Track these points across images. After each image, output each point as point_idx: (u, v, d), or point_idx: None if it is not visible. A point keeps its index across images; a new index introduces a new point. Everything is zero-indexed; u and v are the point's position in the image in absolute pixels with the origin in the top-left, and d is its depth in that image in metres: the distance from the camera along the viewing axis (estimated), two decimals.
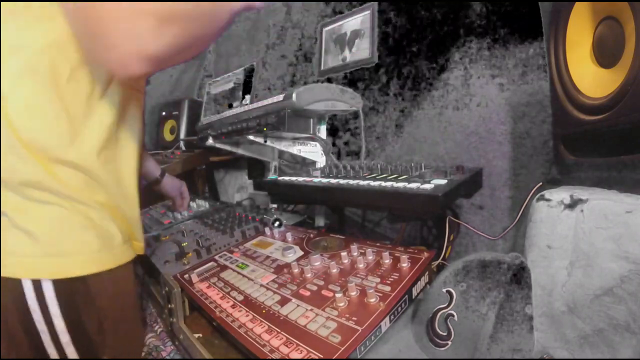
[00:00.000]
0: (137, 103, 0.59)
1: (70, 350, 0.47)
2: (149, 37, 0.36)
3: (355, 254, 0.58)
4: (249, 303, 0.51)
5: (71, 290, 0.46)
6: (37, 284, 0.44)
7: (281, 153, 1.23)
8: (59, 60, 0.45)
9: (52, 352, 0.46)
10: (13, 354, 0.47)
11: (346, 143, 1.35)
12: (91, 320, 0.49)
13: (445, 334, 0.42)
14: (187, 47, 0.41)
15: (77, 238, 0.47)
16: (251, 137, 0.89)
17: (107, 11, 0.34)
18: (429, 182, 0.55)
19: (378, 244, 0.61)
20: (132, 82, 0.56)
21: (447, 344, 0.42)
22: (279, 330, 0.43)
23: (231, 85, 1.67)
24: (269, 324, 0.45)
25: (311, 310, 0.45)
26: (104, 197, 0.51)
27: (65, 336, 0.47)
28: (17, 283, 0.44)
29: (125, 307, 0.55)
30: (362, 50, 1.29)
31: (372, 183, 0.60)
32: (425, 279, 0.53)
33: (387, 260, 0.54)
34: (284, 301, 0.49)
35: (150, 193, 1.15)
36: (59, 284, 0.45)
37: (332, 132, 1.38)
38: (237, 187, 1.77)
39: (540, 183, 0.63)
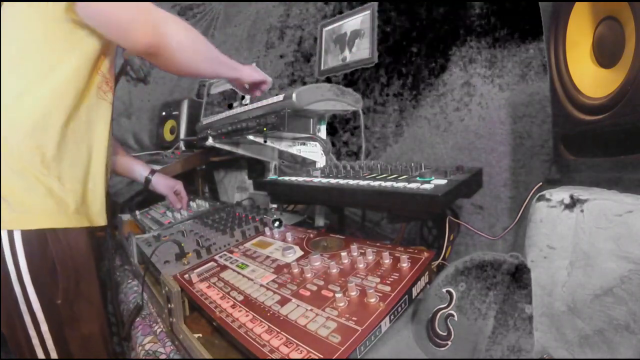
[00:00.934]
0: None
1: (31, 291, 0.62)
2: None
3: (355, 254, 0.58)
4: (249, 303, 0.51)
5: (33, 240, 0.62)
6: (10, 234, 0.60)
7: (281, 153, 1.23)
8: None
9: (17, 289, 0.61)
10: None
11: (346, 143, 1.35)
12: (47, 265, 0.63)
13: (445, 334, 0.42)
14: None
15: (39, 202, 0.63)
16: (251, 137, 0.89)
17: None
18: (428, 182, 0.55)
19: (378, 244, 0.61)
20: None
21: (447, 344, 0.42)
22: (279, 330, 0.43)
23: (231, 85, 1.66)
24: (269, 324, 0.44)
25: (311, 310, 0.45)
26: (67, 173, 0.67)
27: (27, 275, 0.61)
28: None
29: (77, 265, 0.68)
30: (362, 50, 1.29)
31: (372, 183, 0.60)
32: (425, 279, 0.53)
33: (387, 260, 0.54)
34: (284, 301, 0.49)
35: (150, 193, 1.16)
36: (25, 235, 0.61)
37: (332, 132, 1.38)
38: (237, 187, 1.77)
39: (540, 183, 0.63)
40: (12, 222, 0.60)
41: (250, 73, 0.86)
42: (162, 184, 1.12)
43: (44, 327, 0.63)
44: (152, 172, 1.11)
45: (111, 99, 0.79)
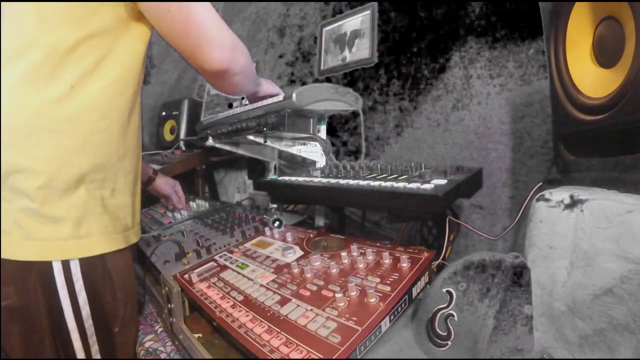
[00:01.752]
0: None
1: (89, 324, 0.53)
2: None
3: (355, 254, 0.58)
4: (249, 303, 0.51)
5: (93, 268, 0.53)
6: (65, 264, 0.50)
7: (281, 153, 1.23)
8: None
9: (72, 326, 0.52)
10: (33, 336, 0.52)
11: (346, 143, 1.35)
12: (107, 293, 0.55)
13: (445, 334, 0.42)
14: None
15: (97, 221, 0.54)
16: (251, 137, 0.89)
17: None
18: (429, 182, 0.55)
19: (378, 244, 0.61)
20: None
21: (447, 344, 0.42)
22: (279, 330, 0.43)
23: None
24: (269, 324, 0.45)
25: (311, 310, 0.45)
26: (117, 185, 0.58)
27: (85, 309, 0.52)
28: (46, 265, 0.49)
29: (131, 282, 0.61)
30: (362, 50, 1.29)
31: (372, 183, 0.60)
32: (425, 279, 0.53)
33: (387, 260, 0.54)
34: (284, 301, 0.49)
35: (150, 193, 1.16)
36: (83, 263, 0.52)
37: (332, 132, 1.38)
38: (237, 187, 1.77)
39: (540, 183, 0.63)
40: (70, 249, 0.51)
41: (268, 86, 0.84)
42: (164, 183, 1.12)
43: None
44: (155, 172, 1.10)
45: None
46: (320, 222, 0.93)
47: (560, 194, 0.45)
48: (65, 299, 0.51)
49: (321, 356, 0.37)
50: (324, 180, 0.70)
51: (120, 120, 0.57)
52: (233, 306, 0.51)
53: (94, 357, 0.54)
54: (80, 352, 0.53)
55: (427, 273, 0.53)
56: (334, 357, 0.37)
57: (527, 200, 0.61)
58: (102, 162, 0.55)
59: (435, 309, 0.44)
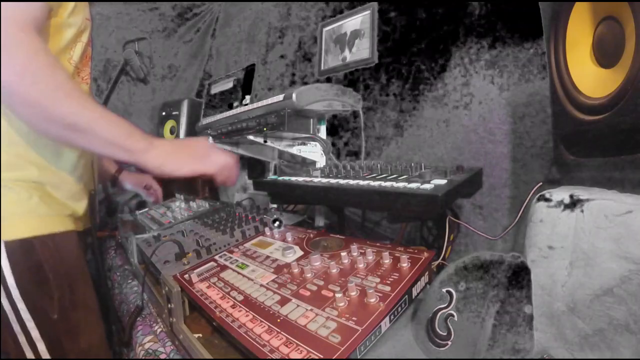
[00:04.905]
0: None
1: (22, 307, 0.56)
2: None
3: (355, 254, 0.58)
4: (249, 303, 0.51)
5: (18, 250, 0.56)
6: None
7: (281, 153, 1.23)
8: None
9: (7, 306, 0.55)
10: None
11: (346, 143, 1.35)
12: (37, 276, 0.58)
13: (445, 334, 0.42)
14: None
15: (24, 206, 0.58)
16: (251, 137, 0.89)
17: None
18: (429, 182, 0.55)
19: (378, 244, 0.61)
20: None
21: (447, 344, 0.42)
22: (279, 330, 0.43)
23: (231, 85, 1.67)
24: (269, 324, 0.44)
25: (311, 310, 0.45)
26: (38, 173, 0.62)
27: (15, 291, 0.55)
28: None
29: (71, 271, 0.63)
30: (362, 50, 1.29)
31: (372, 183, 0.60)
32: (425, 279, 0.53)
33: (387, 260, 0.54)
34: (284, 301, 0.49)
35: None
36: (9, 245, 0.55)
37: (332, 132, 1.38)
38: (237, 187, 1.77)
39: (540, 183, 0.63)
40: None
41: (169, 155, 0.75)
42: (132, 180, 1.11)
43: (41, 347, 0.58)
44: (120, 169, 1.10)
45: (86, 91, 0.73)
46: (320, 222, 0.93)
47: (560, 194, 0.45)
48: None
49: (321, 356, 0.37)
50: (324, 180, 0.70)
51: None
52: (233, 306, 0.51)
53: (36, 341, 0.56)
54: (20, 335, 0.56)
55: (427, 273, 0.53)
56: (334, 357, 0.37)
57: (527, 200, 0.61)
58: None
59: (435, 309, 0.44)
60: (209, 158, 0.74)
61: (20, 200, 0.58)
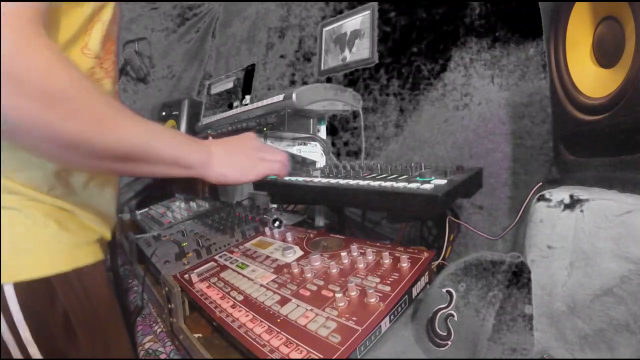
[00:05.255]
0: None
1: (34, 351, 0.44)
2: None
3: (355, 254, 0.58)
4: (249, 303, 0.51)
5: (32, 293, 0.43)
6: None
7: None
8: None
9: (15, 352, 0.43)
10: None
11: (346, 143, 1.35)
12: (57, 323, 0.46)
13: (445, 334, 0.42)
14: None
15: (37, 238, 0.45)
16: None
17: None
18: (428, 182, 0.55)
19: (378, 244, 0.61)
20: None
21: (447, 344, 0.42)
22: (279, 330, 0.43)
23: (231, 85, 1.67)
24: (269, 324, 0.44)
25: (311, 310, 0.45)
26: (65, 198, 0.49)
27: (32, 347, 0.44)
28: None
29: (99, 311, 0.52)
30: (362, 50, 1.29)
31: (372, 183, 0.60)
32: (425, 279, 0.53)
33: (387, 260, 0.54)
34: (284, 301, 0.49)
35: (150, 193, 1.16)
36: (21, 288, 0.42)
37: (332, 132, 1.38)
38: (237, 187, 1.77)
39: (540, 183, 0.63)
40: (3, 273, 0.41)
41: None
42: None
43: None
44: None
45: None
46: (320, 222, 0.93)
47: (560, 194, 0.45)
48: (4, 331, 0.42)
49: (321, 356, 0.37)
50: (324, 180, 0.70)
51: None
52: (233, 306, 0.51)
53: None
54: None
55: (427, 273, 0.53)
56: (334, 357, 0.37)
57: (527, 200, 0.61)
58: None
59: (435, 309, 0.44)
60: (267, 158, 0.66)
61: (35, 226, 0.45)
